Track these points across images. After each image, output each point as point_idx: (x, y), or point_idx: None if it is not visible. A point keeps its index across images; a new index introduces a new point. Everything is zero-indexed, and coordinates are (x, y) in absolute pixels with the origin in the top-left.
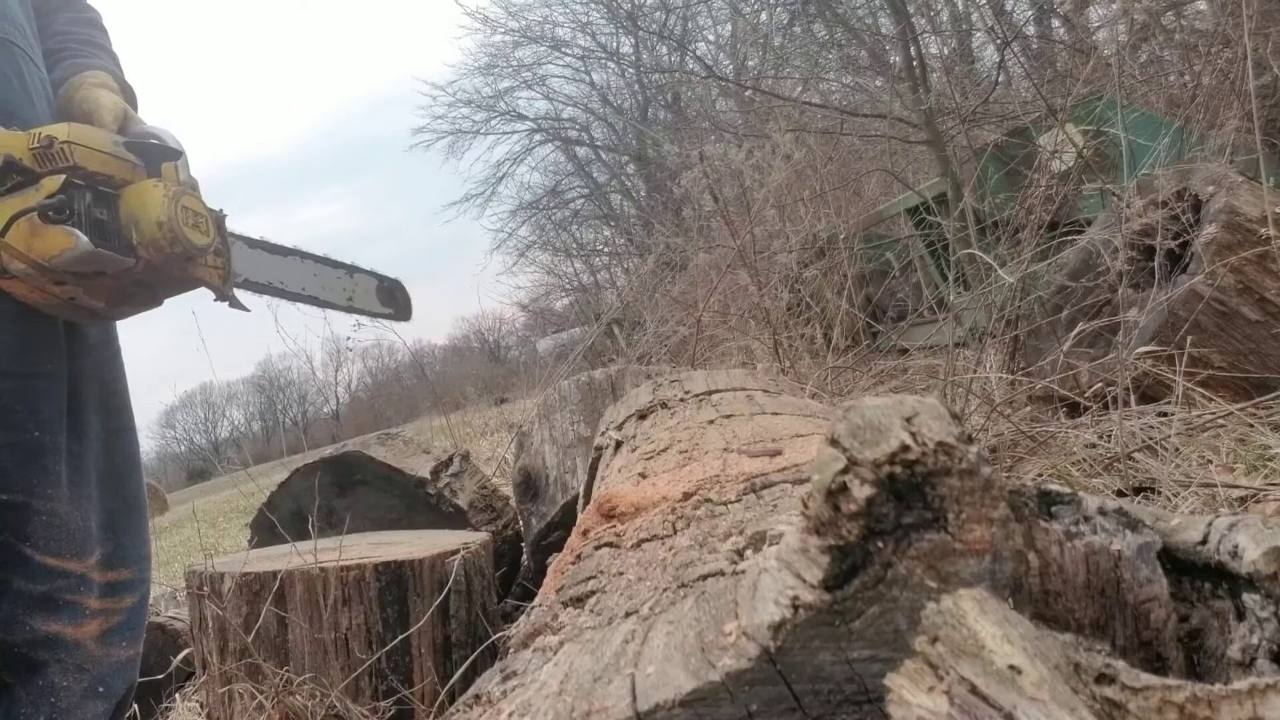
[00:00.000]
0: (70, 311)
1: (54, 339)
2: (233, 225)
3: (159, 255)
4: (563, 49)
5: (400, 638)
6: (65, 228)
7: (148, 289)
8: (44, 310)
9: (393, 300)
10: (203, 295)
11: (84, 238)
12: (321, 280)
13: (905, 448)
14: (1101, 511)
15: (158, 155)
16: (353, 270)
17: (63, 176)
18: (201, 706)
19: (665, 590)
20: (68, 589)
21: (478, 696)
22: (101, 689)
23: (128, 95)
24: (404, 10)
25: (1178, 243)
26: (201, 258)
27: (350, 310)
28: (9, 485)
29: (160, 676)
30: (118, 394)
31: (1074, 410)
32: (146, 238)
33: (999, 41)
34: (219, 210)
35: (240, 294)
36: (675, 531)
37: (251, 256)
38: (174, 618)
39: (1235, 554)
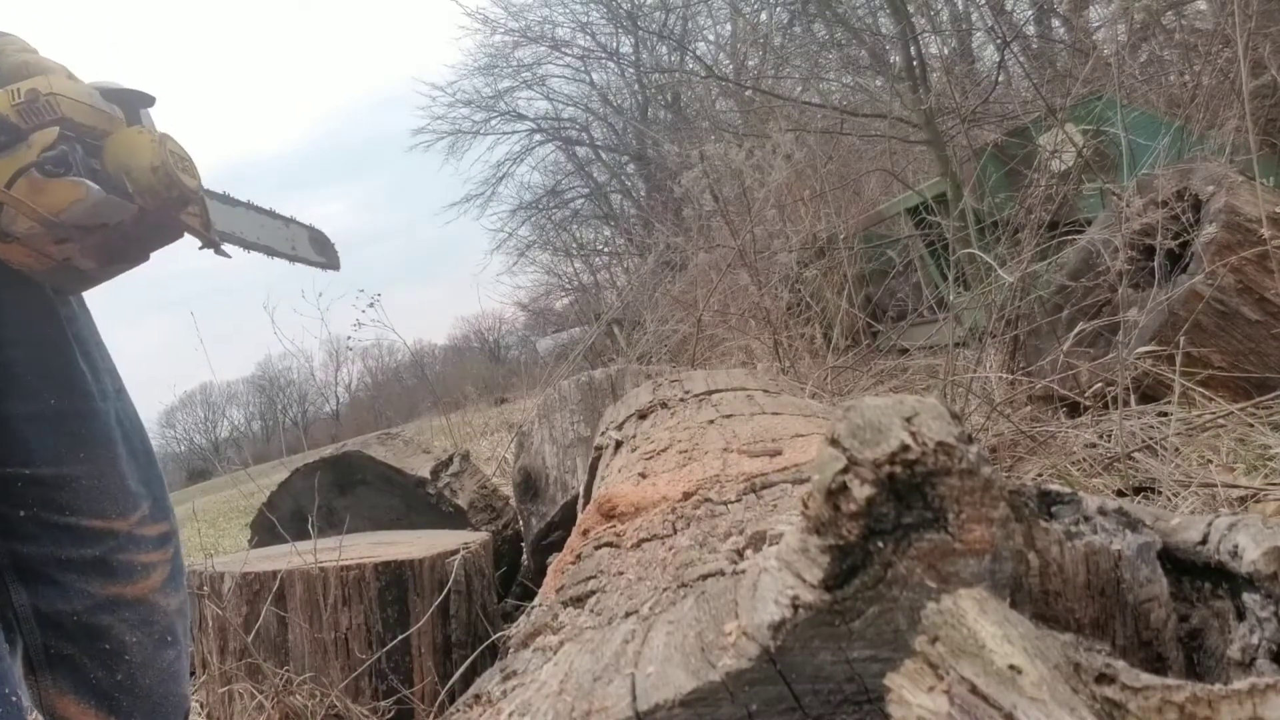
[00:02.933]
0: (63, 275)
1: (49, 305)
2: None
3: (155, 201)
4: (563, 49)
5: (400, 638)
6: (71, 179)
7: (137, 243)
8: (37, 275)
9: (324, 250)
10: (201, 297)
11: (94, 185)
12: (269, 231)
13: (905, 448)
14: (1101, 511)
15: (135, 102)
16: (289, 222)
17: (55, 129)
18: (201, 706)
19: (665, 590)
20: (119, 549)
21: (478, 696)
22: (170, 638)
23: None
24: (404, 10)
25: (1178, 243)
26: (193, 202)
27: (293, 259)
28: (34, 458)
29: None
30: (107, 356)
31: (1074, 410)
32: (142, 184)
33: (999, 41)
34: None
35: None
36: (675, 531)
37: (214, 206)
38: None
39: (1235, 554)
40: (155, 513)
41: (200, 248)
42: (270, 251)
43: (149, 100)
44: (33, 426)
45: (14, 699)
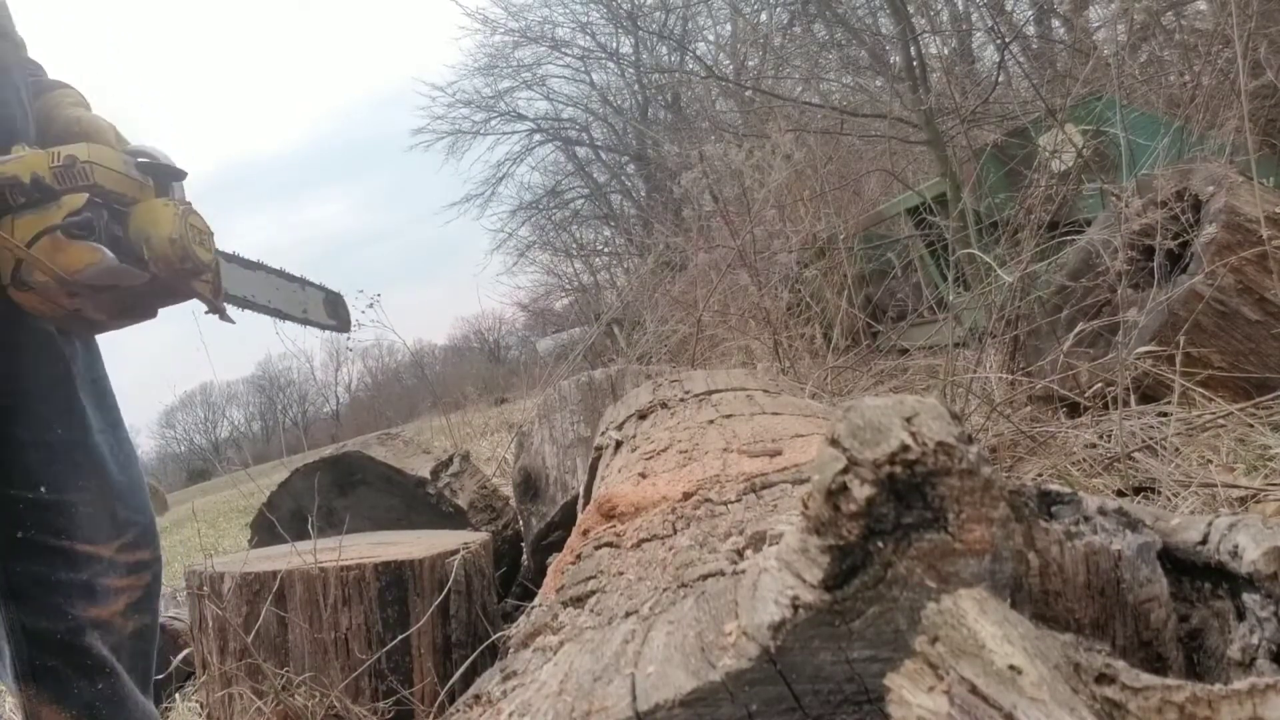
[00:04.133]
0: (73, 322)
1: (56, 344)
2: (232, 226)
3: (169, 269)
4: (563, 49)
5: (400, 637)
6: (90, 244)
7: (146, 301)
8: (48, 321)
9: (336, 313)
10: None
11: (109, 253)
12: (282, 294)
13: (905, 448)
14: (1101, 511)
15: (166, 175)
16: (304, 284)
17: (85, 195)
18: (201, 706)
19: (665, 590)
20: (102, 573)
21: (478, 696)
22: (128, 660)
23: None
24: (404, 10)
25: (1178, 243)
26: (205, 272)
27: (305, 323)
28: (38, 483)
29: (160, 676)
30: (107, 392)
31: (1074, 410)
32: (158, 252)
33: (999, 41)
34: (210, 232)
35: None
36: (675, 531)
37: (229, 270)
38: (174, 618)
39: (1235, 554)
40: (139, 540)
41: (206, 312)
42: (281, 315)
43: (180, 175)
44: (39, 454)
45: None
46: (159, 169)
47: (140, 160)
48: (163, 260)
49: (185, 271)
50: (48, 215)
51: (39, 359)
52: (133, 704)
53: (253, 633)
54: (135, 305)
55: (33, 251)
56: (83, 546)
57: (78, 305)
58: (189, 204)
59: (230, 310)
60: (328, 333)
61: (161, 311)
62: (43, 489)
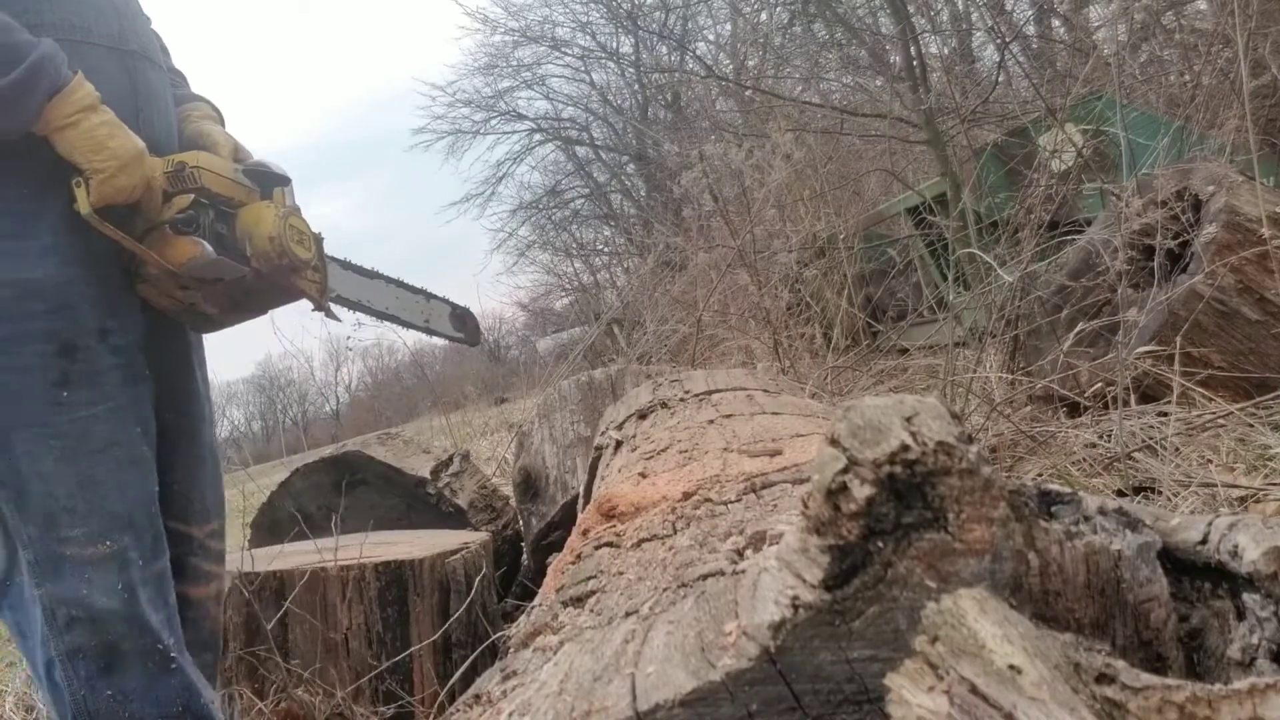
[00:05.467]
0: (190, 316)
1: (184, 336)
2: None
3: (268, 265)
4: (563, 49)
5: (405, 653)
6: (192, 238)
7: (256, 297)
8: (170, 314)
9: (464, 326)
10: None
11: (208, 246)
12: (402, 303)
13: (905, 447)
14: (1101, 511)
15: (270, 181)
16: (429, 296)
17: (191, 196)
18: None
19: (665, 590)
20: (191, 553)
21: (478, 696)
22: (211, 643)
23: (222, 124)
24: (404, 10)
25: (1178, 243)
26: (304, 270)
27: (429, 332)
28: (189, 461)
29: None
30: (209, 386)
31: (1074, 410)
32: (259, 250)
33: (999, 41)
34: (318, 233)
35: (333, 307)
36: (675, 531)
37: (344, 276)
38: None
39: (1235, 554)
40: (220, 532)
41: (313, 310)
42: (401, 322)
43: (283, 181)
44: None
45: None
46: (263, 175)
47: (247, 167)
48: (262, 256)
49: (283, 268)
50: (159, 214)
51: (168, 343)
52: (206, 697)
53: (253, 632)
54: (245, 301)
55: (144, 245)
56: (175, 525)
57: (191, 299)
58: (294, 207)
59: (345, 315)
60: (326, 332)
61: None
62: (172, 471)
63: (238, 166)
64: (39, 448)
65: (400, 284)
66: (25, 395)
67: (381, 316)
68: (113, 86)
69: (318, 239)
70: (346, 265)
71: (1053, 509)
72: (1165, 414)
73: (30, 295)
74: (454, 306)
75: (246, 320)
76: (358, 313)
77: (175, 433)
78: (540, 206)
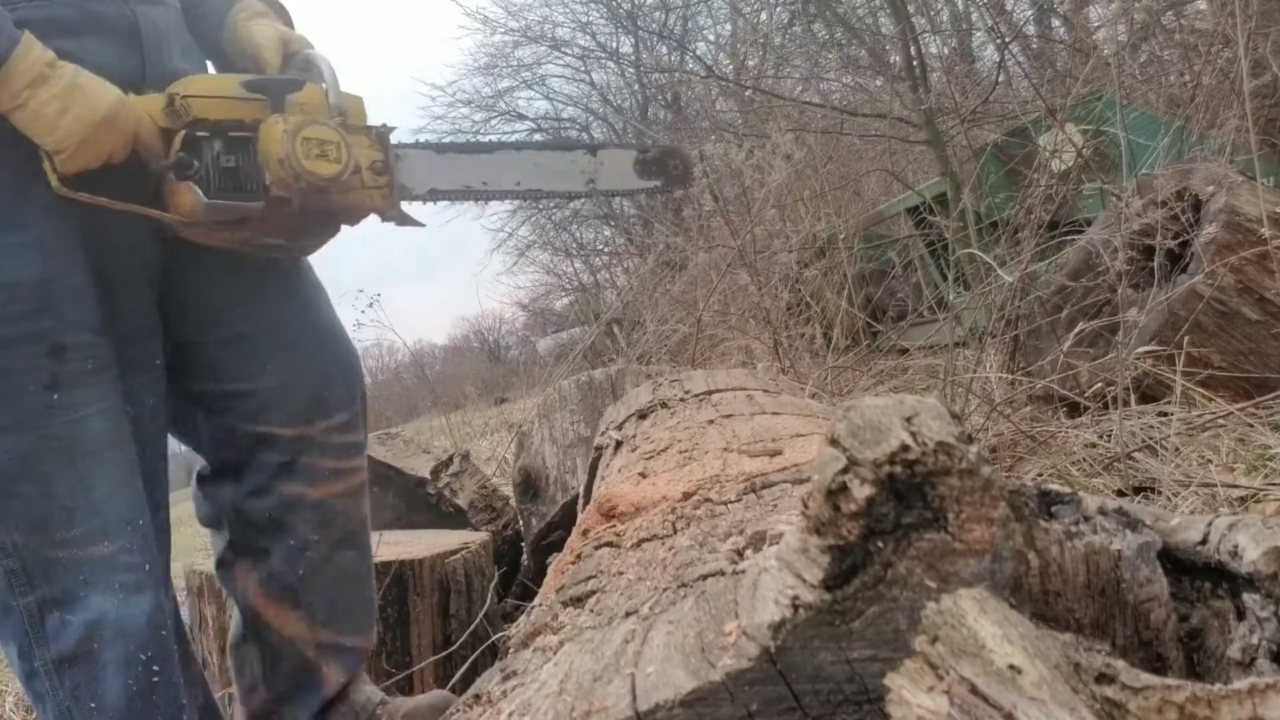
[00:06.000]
0: (261, 250)
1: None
2: None
3: (290, 192)
4: (563, 49)
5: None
6: (188, 183)
7: (316, 219)
8: (236, 250)
9: (662, 169)
10: None
11: (198, 192)
12: (545, 170)
13: (905, 448)
14: (1101, 511)
15: (278, 89)
16: (595, 148)
17: (183, 132)
18: None
19: (665, 590)
20: (304, 452)
21: (478, 696)
22: (351, 540)
23: (282, 15)
24: (404, 10)
25: (1178, 243)
26: (335, 187)
27: (593, 194)
28: (226, 376)
29: None
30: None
31: (1074, 410)
32: (275, 176)
33: (999, 41)
34: (381, 126)
35: (419, 207)
36: (675, 531)
37: (439, 163)
38: None
39: (1235, 554)
40: (351, 423)
41: (383, 220)
42: (538, 196)
43: (293, 85)
44: (221, 350)
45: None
46: (266, 84)
47: (248, 80)
48: (279, 183)
49: (306, 190)
50: (163, 158)
51: (233, 258)
52: (341, 595)
53: None
54: (306, 226)
55: (161, 196)
56: (282, 430)
57: (243, 235)
58: (317, 112)
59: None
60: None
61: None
62: (232, 381)
63: (242, 79)
64: (35, 450)
65: (545, 145)
66: (17, 399)
67: (508, 196)
68: (111, 33)
69: (380, 133)
70: (445, 148)
71: (1053, 509)
72: (1165, 414)
73: (14, 298)
74: (643, 149)
75: (326, 240)
76: (480, 202)
77: (257, 333)
78: (540, 206)
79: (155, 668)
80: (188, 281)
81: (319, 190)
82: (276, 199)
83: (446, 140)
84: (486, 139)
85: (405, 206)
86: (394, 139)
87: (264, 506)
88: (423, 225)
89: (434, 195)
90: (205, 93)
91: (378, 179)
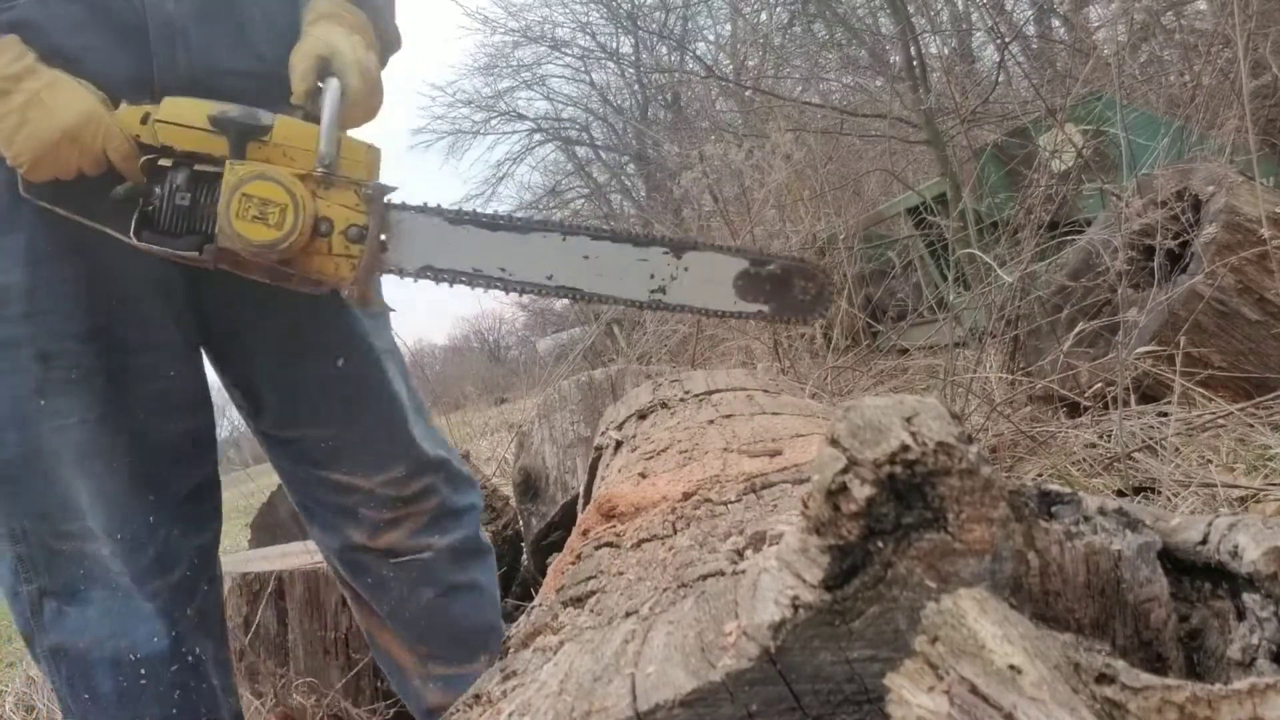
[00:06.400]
0: (299, 288)
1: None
2: None
3: (232, 245)
4: (563, 49)
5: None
6: (143, 211)
7: (286, 278)
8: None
9: (780, 292)
10: None
11: (133, 223)
12: (595, 266)
13: (905, 448)
14: (1101, 511)
15: (237, 132)
16: (681, 247)
17: (144, 159)
18: None
19: (665, 590)
20: (362, 504)
21: (478, 696)
22: (426, 580)
23: (370, 8)
24: (404, 10)
25: (1178, 243)
26: (273, 253)
27: (659, 308)
28: (284, 421)
29: None
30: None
31: (1074, 410)
32: (218, 227)
33: (999, 41)
34: (375, 184)
35: (397, 288)
36: (675, 531)
37: (448, 236)
38: None
39: (1235, 554)
40: (411, 472)
41: (345, 295)
42: (580, 296)
43: (256, 130)
44: (296, 392)
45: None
46: (227, 123)
47: (216, 111)
48: (220, 235)
49: (251, 253)
50: (137, 189)
51: (278, 300)
52: (434, 627)
53: (252, 633)
54: (289, 275)
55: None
56: (340, 477)
57: (257, 271)
58: (261, 166)
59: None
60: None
61: None
62: (292, 427)
63: (214, 111)
64: (35, 446)
65: (601, 231)
66: (14, 398)
67: (539, 292)
68: (118, 30)
69: (369, 193)
70: (461, 218)
71: (1053, 509)
72: (1165, 414)
73: (4, 300)
74: (755, 259)
75: (369, 283)
76: (504, 291)
77: (308, 386)
78: (540, 207)
79: (142, 670)
80: (243, 314)
81: (255, 254)
82: (224, 249)
83: (469, 206)
84: (518, 217)
85: (390, 281)
86: (398, 197)
87: (336, 547)
88: (391, 310)
89: (429, 274)
90: (175, 119)
91: (349, 246)
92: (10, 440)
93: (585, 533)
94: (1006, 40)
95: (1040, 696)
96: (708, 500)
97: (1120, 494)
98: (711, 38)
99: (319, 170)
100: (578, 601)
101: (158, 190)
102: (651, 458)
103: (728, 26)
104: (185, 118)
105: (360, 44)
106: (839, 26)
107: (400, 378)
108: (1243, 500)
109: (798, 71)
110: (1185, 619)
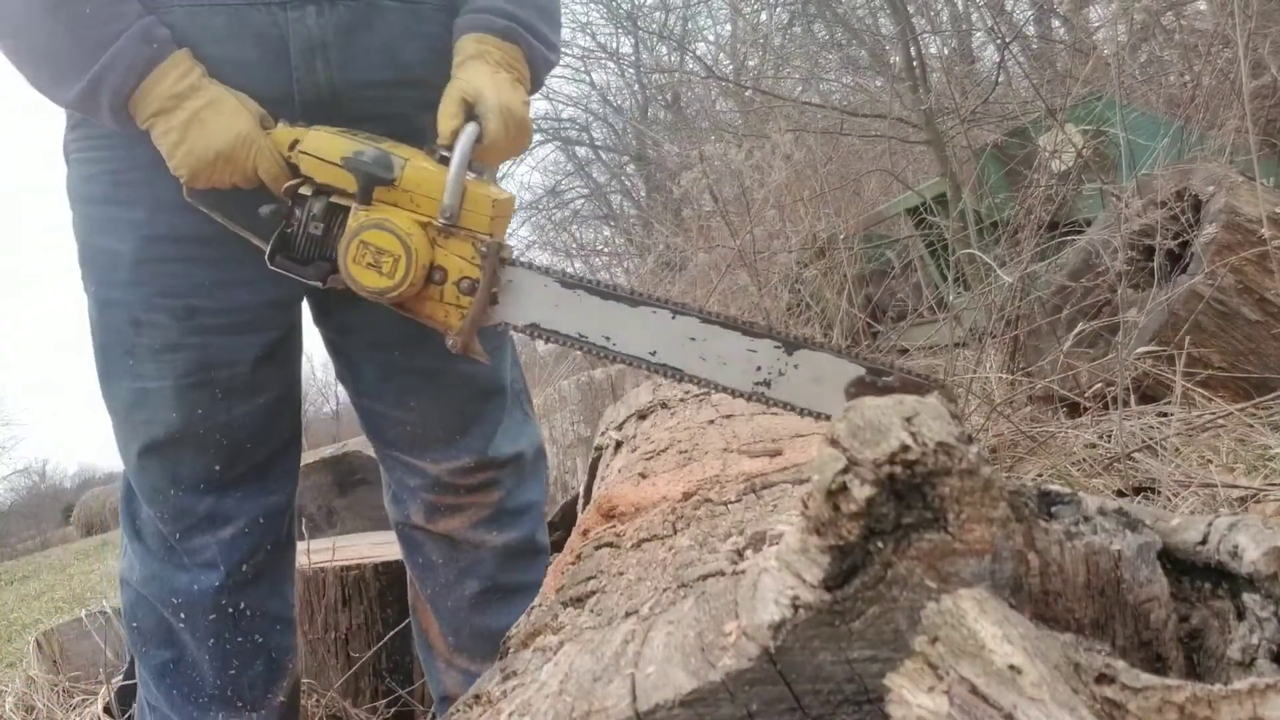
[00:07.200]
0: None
1: None
2: None
3: (350, 283)
4: (562, 49)
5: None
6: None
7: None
8: None
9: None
10: None
11: (267, 255)
12: (700, 349)
13: (905, 448)
14: (1101, 511)
15: (366, 179)
16: (792, 345)
17: (288, 183)
18: None
19: (665, 590)
20: (426, 489)
21: (478, 696)
22: (473, 572)
23: (523, 40)
24: None
25: (1178, 243)
26: (382, 300)
27: (762, 400)
28: (377, 395)
29: None
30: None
31: (1074, 410)
32: (340, 264)
33: (999, 41)
34: (494, 242)
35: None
36: (675, 531)
37: (558, 298)
38: None
39: (1235, 554)
40: (478, 465)
41: (447, 343)
42: (682, 376)
43: (380, 179)
44: (379, 370)
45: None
46: (358, 166)
47: (351, 153)
48: (342, 274)
49: (365, 294)
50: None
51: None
52: (462, 623)
53: None
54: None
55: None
56: (408, 459)
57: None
58: (385, 212)
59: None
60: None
61: None
62: (378, 402)
63: (349, 153)
64: (122, 403)
65: (711, 317)
66: (115, 353)
67: (639, 365)
68: (260, 44)
69: (487, 249)
70: (574, 283)
71: (1053, 509)
72: (1165, 414)
73: (117, 265)
74: (872, 367)
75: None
76: (595, 356)
77: (402, 368)
78: (540, 207)
79: (182, 615)
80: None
81: (368, 295)
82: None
83: (581, 277)
84: (635, 291)
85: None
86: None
87: (401, 522)
88: (485, 362)
89: (535, 332)
90: (315, 151)
91: (460, 298)
92: (121, 386)
93: (585, 533)
94: (1006, 40)
95: (1040, 696)
96: (708, 500)
97: (1120, 494)
98: (711, 38)
99: (440, 221)
100: (578, 601)
101: (297, 214)
102: (651, 458)
103: (728, 27)
104: (324, 152)
105: (506, 82)
106: (839, 27)
107: (506, 366)
108: (1243, 500)
109: (798, 72)
110: (1185, 619)
